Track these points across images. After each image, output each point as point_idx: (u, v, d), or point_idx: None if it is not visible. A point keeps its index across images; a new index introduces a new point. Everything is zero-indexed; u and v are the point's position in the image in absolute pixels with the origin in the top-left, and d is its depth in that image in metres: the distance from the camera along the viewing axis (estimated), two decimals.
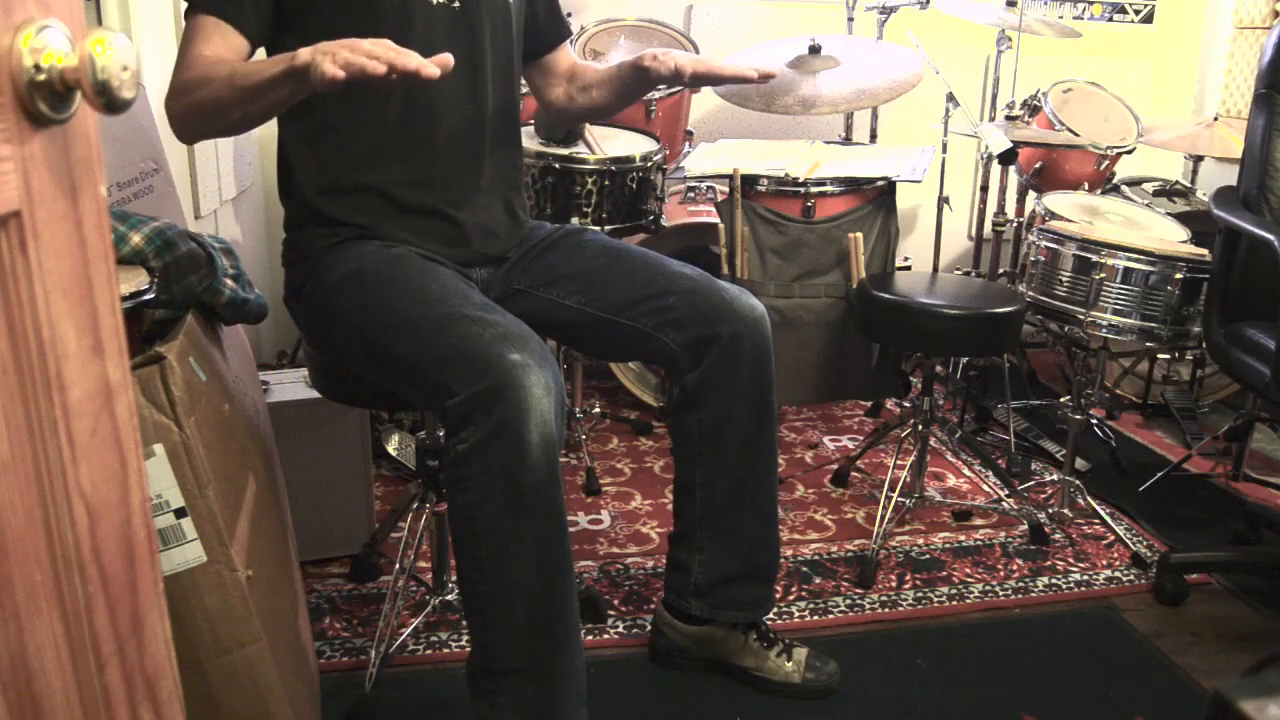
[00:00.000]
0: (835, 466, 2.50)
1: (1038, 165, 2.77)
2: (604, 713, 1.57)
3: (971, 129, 2.45)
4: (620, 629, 1.83)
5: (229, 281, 1.38)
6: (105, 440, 0.63)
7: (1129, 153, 2.76)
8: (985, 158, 2.89)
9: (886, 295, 2.05)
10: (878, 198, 2.26)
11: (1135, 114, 2.87)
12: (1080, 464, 2.49)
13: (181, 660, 0.77)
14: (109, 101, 0.55)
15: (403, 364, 1.32)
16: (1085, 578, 2.06)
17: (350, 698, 1.58)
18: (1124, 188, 2.88)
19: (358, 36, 1.13)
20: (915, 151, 2.33)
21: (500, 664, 1.29)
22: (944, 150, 2.64)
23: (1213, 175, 3.02)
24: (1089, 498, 2.26)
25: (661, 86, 1.67)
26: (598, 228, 2.18)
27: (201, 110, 1.29)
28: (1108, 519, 2.25)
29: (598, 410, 2.73)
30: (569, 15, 1.87)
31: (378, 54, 1.10)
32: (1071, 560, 2.12)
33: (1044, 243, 2.19)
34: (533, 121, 2.28)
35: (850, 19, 2.90)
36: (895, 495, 2.17)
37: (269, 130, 1.48)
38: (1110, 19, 3.56)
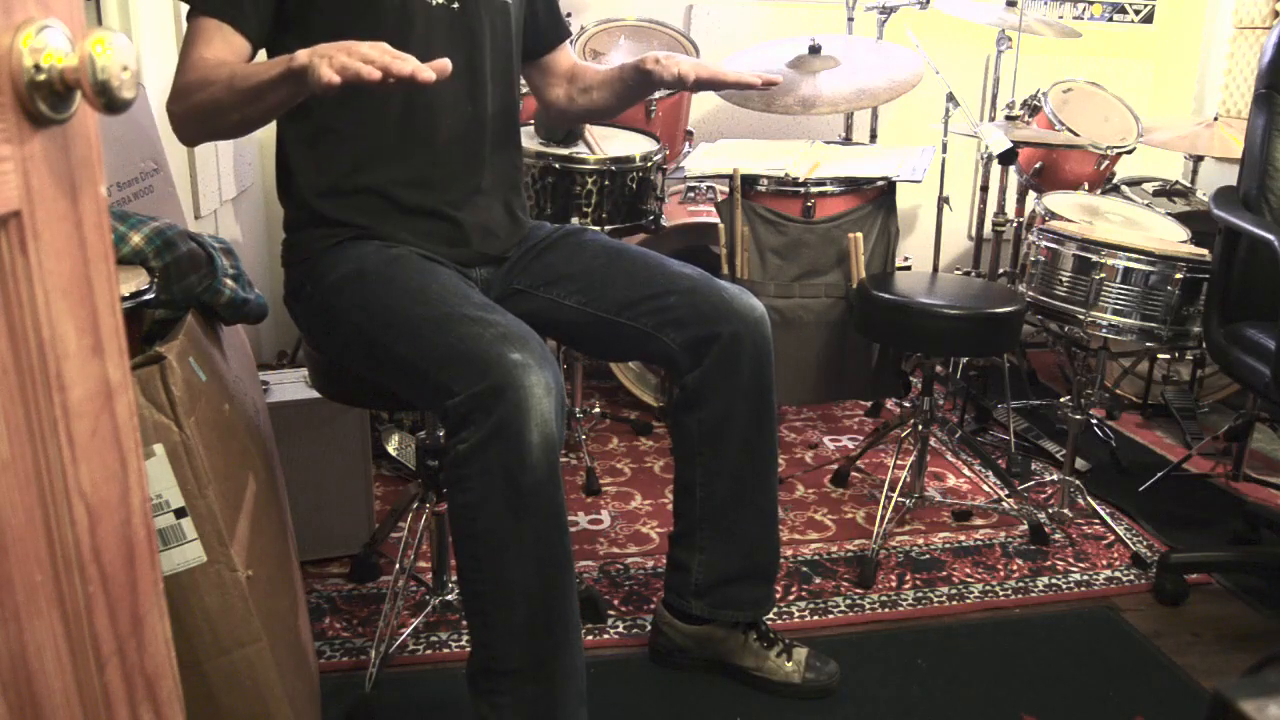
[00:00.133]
0: (835, 466, 2.50)
1: (1038, 165, 2.77)
2: (604, 713, 1.57)
3: (971, 129, 2.45)
4: (620, 629, 1.83)
5: (229, 281, 1.38)
6: (105, 440, 0.63)
7: (1129, 153, 2.76)
8: (985, 158, 2.89)
9: (886, 295, 2.05)
10: (878, 198, 2.26)
11: (1135, 114, 2.87)
12: (1080, 464, 2.49)
13: (181, 660, 0.77)
14: (109, 101, 0.55)
15: (403, 364, 1.32)
16: (1085, 578, 2.06)
17: (350, 698, 1.58)
18: (1124, 188, 2.88)
19: (358, 38, 1.13)
20: (915, 151, 2.33)
21: (500, 664, 1.30)
22: (944, 150, 2.64)
23: (1213, 175, 3.02)
24: (1089, 498, 2.26)
25: (662, 88, 1.67)
26: (598, 228, 2.18)
27: (202, 112, 1.29)
28: (1108, 519, 2.25)
29: (598, 410, 2.73)
30: (569, 15, 1.88)
31: (374, 58, 1.10)
32: (1071, 560, 2.12)
33: (1044, 243, 2.19)
34: (533, 121, 2.28)
35: (850, 19, 2.90)
36: (895, 495, 2.17)
37: (269, 131, 1.49)
38: (1110, 19, 3.56)
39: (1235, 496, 2.45)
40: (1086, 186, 2.66)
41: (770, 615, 1.77)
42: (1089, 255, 2.09)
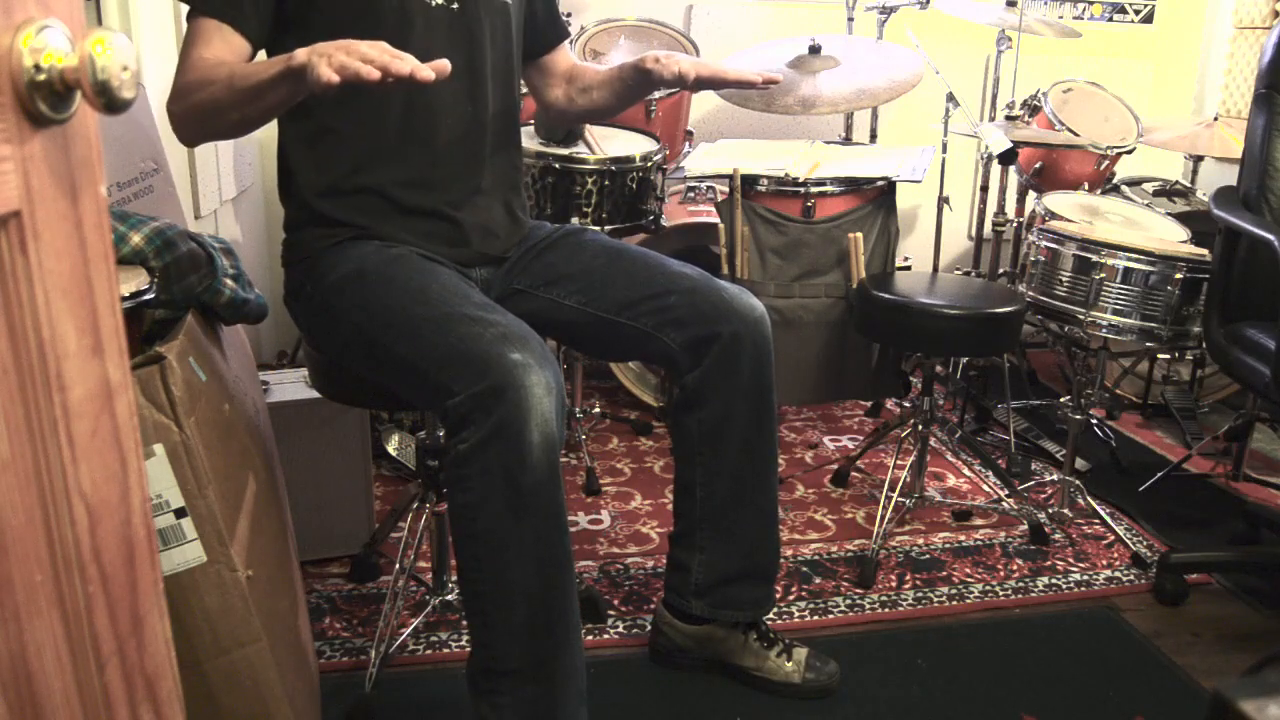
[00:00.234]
0: (835, 466, 2.50)
1: (1038, 165, 2.77)
2: (604, 713, 1.57)
3: (971, 129, 2.45)
4: (620, 629, 1.83)
5: (229, 281, 1.38)
6: (105, 440, 0.63)
7: (1129, 153, 2.76)
8: (985, 158, 2.89)
9: (886, 295, 2.05)
10: (878, 198, 2.26)
11: (1135, 114, 2.87)
12: (1080, 464, 2.49)
13: (181, 660, 0.77)
14: (109, 101, 0.55)
15: (403, 364, 1.32)
16: (1085, 578, 2.06)
17: (350, 698, 1.58)
18: (1124, 188, 2.88)
19: (357, 38, 1.13)
20: (915, 151, 2.33)
21: (500, 664, 1.30)
22: (944, 150, 2.64)
23: (1213, 175, 3.02)
24: (1089, 498, 2.26)
25: (662, 87, 1.67)
26: (598, 228, 2.18)
27: (201, 112, 1.29)
28: (1108, 519, 2.25)
29: (598, 410, 2.73)
30: (569, 15, 1.88)
31: (372, 57, 1.10)
32: (1071, 560, 2.12)
33: (1044, 243, 2.19)
34: (533, 121, 2.28)
35: (850, 19, 2.90)
36: (895, 495, 2.17)
37: (269, 131, 1.49)
38: (1110, 19, 3.56)
39: (1235, 496, 2.45)
40: (1086, 186, 2.66)
41: (770, 615, 1.77)
42: (1089, 255, 2.09)
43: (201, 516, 1.12)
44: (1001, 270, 2.89)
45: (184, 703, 0.75)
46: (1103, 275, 2.07)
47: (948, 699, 1.66)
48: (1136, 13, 3.57)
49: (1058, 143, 2.65)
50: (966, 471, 2.56)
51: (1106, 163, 2.77)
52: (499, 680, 1.30)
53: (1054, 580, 2.04)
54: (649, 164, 2.23)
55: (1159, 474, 2.47)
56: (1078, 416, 2.20)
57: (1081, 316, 2.10)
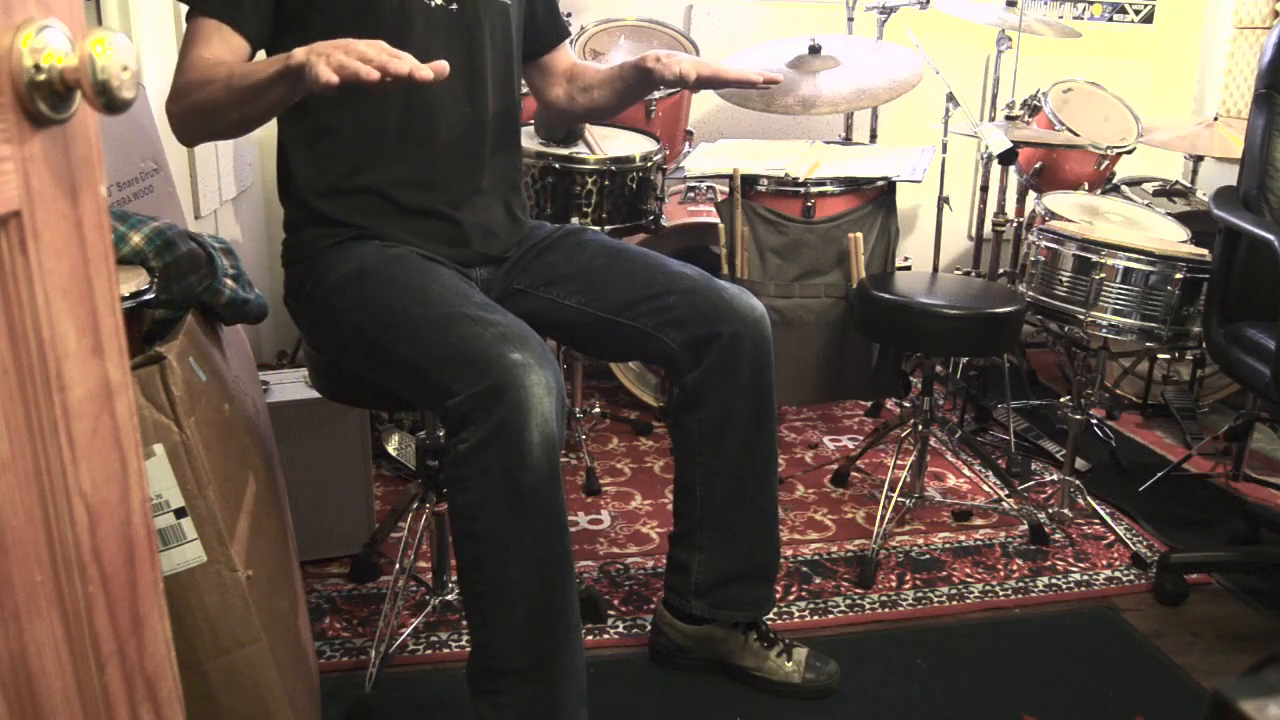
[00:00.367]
0: (835, 466, 2.50)
1: (1038, 165, 2.77)
2: (604, 713, 1.57)
3: (971, 129, 2.45)
4: (620, 629, 1.83)
5: (229, 281, 1.38)
6: (105, 440, 0.63)
7: (1129, 153, 2.76)
8: (985, 158, 2.89)
9: (886, 295, 2.05)
10: (878, 198, 2.26)
11: (1135, 114, 2.87)
12: (1080, 464, 2.49)
13: (181, 660, 0.77)
14: (109, 101, 0.55)
15: (403, 364, 1.32)
16: (1085, 578, 2.06)
17: (350, 698, 1.58)
18: (1124, 188, 2.88)
19: (357, 38, 1.12)
20: (915, 151, 2.33)
21: (501, 664, 1.30)
22: (944, 150, 2.64)
23: (1213, 175, 3.02)
24: (1089, 498, 2.26)
25: (662, 87, 1.67)
26: (598, 228, 2.18)
27: (201, 112, 1.29)
28: (1108, 519, 2.25)
29: (598, 410, 2.73)
30: (568, 15, 1.88)
31: (371, 56, 1.10)
32: (1071, 560, 2.12)
33: (1044, 243, 2.19)
34: (533, 122, 2.28)
35: (850, 19, 2.90)
36: (895, 495, 2.17)
37: (269, 130, 1.49)
38: (1110, 19, 3.56)
39: (1235, 496, 2.45)
40: (1086, 186, 2.66)
41: (770, 615, 1.77)
42: (1089, 255, 2.09)
43: (201, 516, 1.12)
44: (1001, 270, 2.89)
45: (184, 703, 0.75)
46: (1103, 275, 2.07)
47: (948, 699, 1.66)
48: (1136, 13, 3.57)
49: (1058, 143, 2.65)
50: (966, 471, 2.56)
51: (1106, 163, 2.77)
52: (499, 680, 1.30)
53: (1054, 580, 2.04)
54: (649, 164, 2.23)
55: (1159, 474, 2.47)
56: (1078, 416, 2.20)
57: (1081, 316, 2.10)
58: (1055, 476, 2.36)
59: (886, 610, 1.92)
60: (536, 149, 2.16)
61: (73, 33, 0.55)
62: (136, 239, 1.22)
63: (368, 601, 1.89)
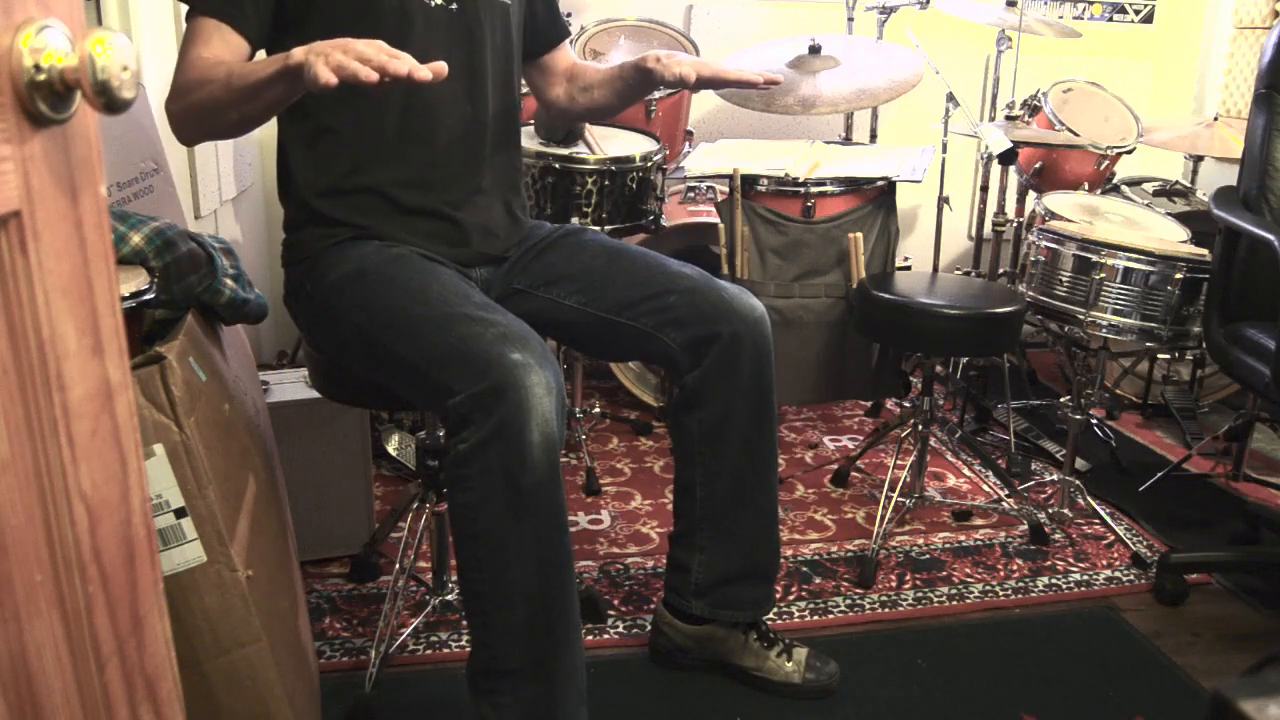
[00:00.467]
0: (835, 466, 2.50)
1: (1038, 165, 2.77)
2: (604, 713, 1.57)
3: (971, 129, 2.45)
4: (620, 629, 1.83)
5: (229, 281, 1.38)
6: (105, 440, 0.63)
7: (1129, 153, 2.76)
8: (985, 158, 2.89)
9: (886, 295, 2.05)
10: (878, 198, 2.26)
11: (1135, 114, 2.87)
12: (1080, 464, 2.49)
13: (181, 660, 0.77)
14: (109, 101, 0.55)
15: (403, 364, 1.32)
16: (1085, 578, 2.06)
17: (350, 698, 1.58)
18: (1124, 188, 2.88)
19: (356, 38, 1.12)
20: (915, 151, 2.33)
21: (501, 664, 1.30)
22: (944, 150, 2.64)
23: (1213, 175, 3.02)
24: (1089, 498, 2.26)
25: (663, 87, 1.67)
26: (598, 228, 2.18)
27: (200, 111, 1.29)
28: (1108, 519, 2.25)
29: (598, 410, 2.73)
30: (569, 15, 1.88)
31: (370, 56, 1.10)
32: (1071, 560, 2.12)
33: (1044, 243, 2.19)
34: (533, 121, 2.28)
35: (850, 19, 2.90)
36: (895, 495, 2.17)
37: (269, 130, 1.48)
38: (1110, 19, 3.56)
39: (1235, 496, 2.45)
40: (1086, 186, 2.66)
41: (770, 615, 1.77)
42: (1089, 255, 2.09)
43: (201, 516, 1.12)
44: (1001, 270, 2.89)
45: (184, 703, 0.75)
46: (1103, 275, 2.07)
47: (948, 699, 1.66)
48: (1136, 13, 3.57)
49: (1058, 143, 2.65)
50: (966, 471, 2.56)
51: (1106, 163, 2.77)
52: (499, 680, 1.30)
53: (1054, 580, 2.04)
54: (649, 164, 2.23)
55: (1159, 474, 2.47)
56: (1078, 416, 2.20)
57: (1081, 316, 2.10)
58: (1055, 476, 2.36)
59: (886, 610, 1.92)
60: (536, 149, 2.16)
61: (73, 33, 0.55)
62: (136, 239, 1.22)
63: (368, 601, 1.89)
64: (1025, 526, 2.23)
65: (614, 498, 2.36)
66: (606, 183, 2.17)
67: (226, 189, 2.34)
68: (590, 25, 2.79)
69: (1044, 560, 2.12)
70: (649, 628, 1.76)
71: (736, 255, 2.22)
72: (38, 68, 0.53)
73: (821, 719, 1.61)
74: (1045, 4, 3.46)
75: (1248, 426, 2.48)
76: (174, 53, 1.35)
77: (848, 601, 1.95)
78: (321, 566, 1.98)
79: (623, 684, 1.67)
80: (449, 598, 1.81)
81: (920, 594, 1.98)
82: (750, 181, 2.22)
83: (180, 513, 1.11)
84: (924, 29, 2.85)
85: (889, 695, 1.67)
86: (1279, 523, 2.21)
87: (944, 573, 2.06)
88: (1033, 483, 2.44)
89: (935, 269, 2.84)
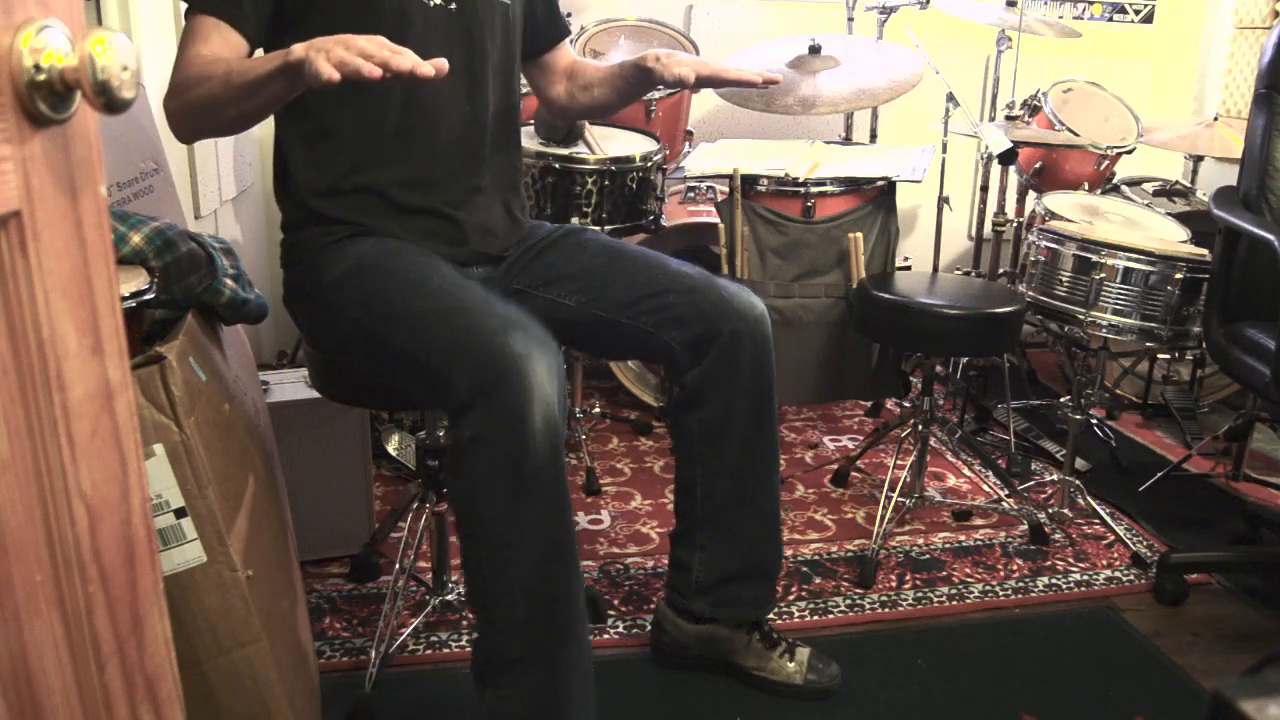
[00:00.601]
0: (835, 466, 2.50)
1: (1038, 165, 2.77)
2: (604, 713, 1.56)
3: (971, 129, 2.45)
4: (620, 629, 1.83)
5: (229, 281, 1.38)
6: (105, 440, 0.63)
7: (1129, 153, 2.76)
8: (985, 158, 2.89)
9: (886, 295, 2.05)
10: (878, 198, 2.26)
11: (1135, 114, 2.87)
12: (1080, 464, 2.49)
13: (181, 660, 0.77)
14: (109, 101, 0.55)
15: (403, 356, 1.32)
16: (1085, 578, 2.06)
17: (350, 698, 1.58)
18: (1124, 188, 2.88)
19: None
20: (915, 151, 2.33)
21: (504, 652, 1.29)
22: (944, 150, 2.64)
23: (1213, 175, 3.02)
24: (1089, 498, 2.25)
25: (662, 86, 1.67)
26: (597, 227, 2.18)
27: (198, 108, 1.29)
28: (1108, 519, 2.25)
29: (598, 410, 2.73)
30: (569, 15, 1.87)
31: (371, 52, 1.09)
32: (1071, 560, 2.12)
33: (1044, 243, 2.19)
34: (533, 121, 2.28)
35: (850, 19, 2.90)
36: (895, 495, 2.17)
37: (269, 130, 1.48)
38: (1110, 19, 3.56)
39: (1235, 496, 2.45)
40: (1086, 186, 2.66)
41: (770, 615, 1.77)
42: (1089, 255, 2.09)
43: (201, 516, 1.12)
44: (1001, 270, 2.89)
45: (184, 703, 0.75)
46: (1103, 275, 2.07)
47: (948, 699, 1.66)
48: (1136, 13, 3.57)
49: (1058, 143, 2.65)
50: (966, 471, 2.56)
51: (1106, 163, 2.77)
52: (503, 669, 1.29)
53: (1054, 580, 2.04)
54: (649, 164, 2.23)
55: (1159, 474, 2.47)
56: (1078, 416, 2.20)
57: (1081, 316, 2.10)
58: (1055, 476, 2.36)
59: (886, 610, 1.92)
60: (536, 149, 2.16)
61: (73, 33, 0.55)
62: (136, 239, 1.22)
63: (368, 601, 1.89)
64: (1025, 526, 2.23)
65: (614, 498, 2.36)
66: (606, 183, 2.17)
67: (226, 189, 2.34)
68: (590, 25, 2.79)
69: (1044, 560, 2.12)
70: (649, 627, 1.76)
71: (736, 255, 2.22)
72: (38, 68, 0.53)
73: (822, 719, 1.61)
74: (1045, 4, 3.46)
75: (1248, 426, 2.48)
76: (174, 53, 1.35)
77: (848, 601, 1.95)
78: (321, 566, 1.98)
79: (623, 684, 1.67)
80: (449, 598, 1.81)
81: (920, 594, 1.98)
82: (750, 181, 2.22)
83: (180, 513, 1.11)
84: (924, 29, 2.85)
85: (889, 695, 1.67)
86: (1279, 523, 2.21)
87: (944, 573, 2.06)
88: (1033, 483, 2.44)
89: (935, 269, 2.84)
